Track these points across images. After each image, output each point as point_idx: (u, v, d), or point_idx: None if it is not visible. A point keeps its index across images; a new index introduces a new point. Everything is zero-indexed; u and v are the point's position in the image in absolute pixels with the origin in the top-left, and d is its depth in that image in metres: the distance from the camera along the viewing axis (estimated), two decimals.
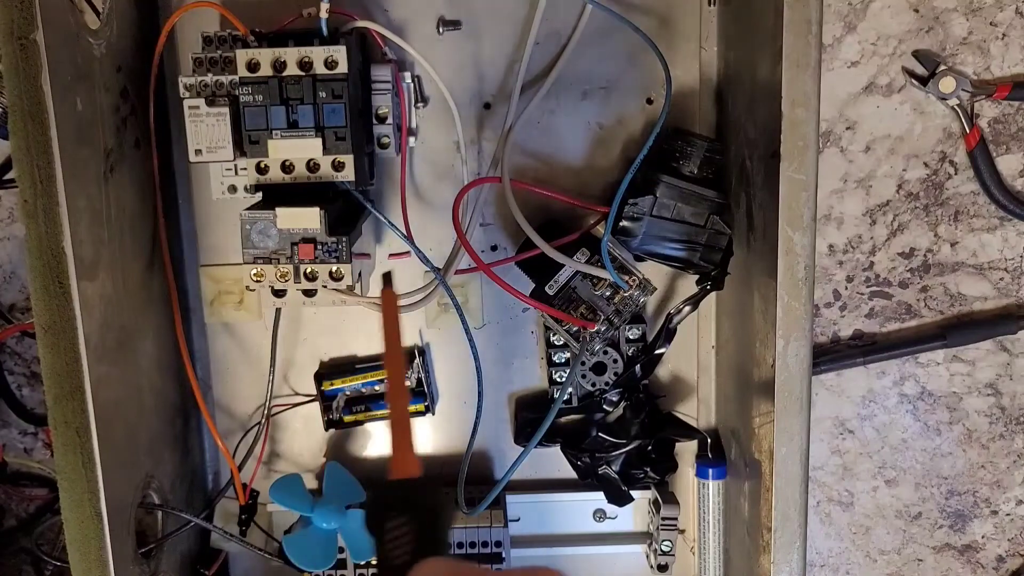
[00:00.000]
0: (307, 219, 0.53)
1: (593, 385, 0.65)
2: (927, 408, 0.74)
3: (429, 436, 0.68)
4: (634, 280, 0.59)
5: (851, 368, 0.73)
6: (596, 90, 0.63)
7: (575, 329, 0.60)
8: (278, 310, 0.63)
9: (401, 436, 0.30)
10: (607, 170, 0.64)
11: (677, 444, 0.68)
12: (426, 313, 0.65)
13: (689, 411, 0.68)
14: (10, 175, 0.68)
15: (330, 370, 0.66)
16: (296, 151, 0.54)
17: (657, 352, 0.64)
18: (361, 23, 0.57)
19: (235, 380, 0.67)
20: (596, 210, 0.62)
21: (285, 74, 0.53)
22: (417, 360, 0.65)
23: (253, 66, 0.53)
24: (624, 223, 0.59)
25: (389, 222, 0.58)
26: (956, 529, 0.76)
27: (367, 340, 0.67)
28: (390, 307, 0.36)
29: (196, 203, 0.64)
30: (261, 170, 0.54)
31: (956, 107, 0.68)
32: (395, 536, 0.28)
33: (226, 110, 0.55)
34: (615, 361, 0.64)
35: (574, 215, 0.64)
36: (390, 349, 0.36)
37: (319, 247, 0.54)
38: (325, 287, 0.55)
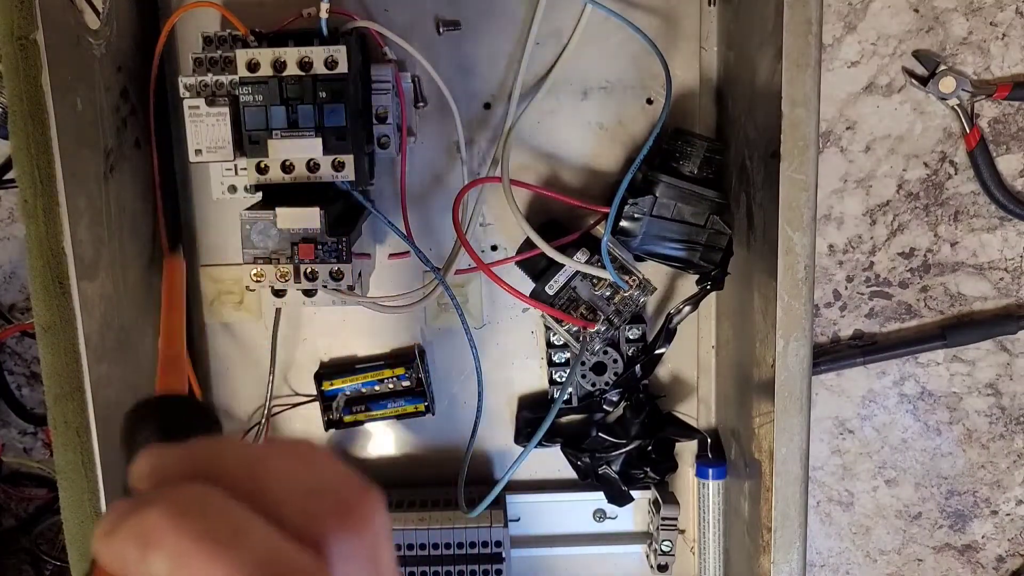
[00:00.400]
0: (307, 219, 0.53)
1: (593, 385, 0.65)
2: (927, 408, 0.74)
3: (429, 436, 0.68)
4: (634, 280, 0.59)
5: (851, 368, 0.73)
6: (596, 90, 0.63)
7: (575, 329, 0.60)
8: (278, 310, 0.63)
9: (171, 358, 0.30)
10: (607, 170, 0.64)
11: (677, 444, 0.68)
12: (426, 313, 0.65)
13: (689, 411, 0.68)
14: (10, 175, 0.68)
15: (330, 370, 0.66)
16: (296, 151, 0.54)
17: (657, 352, 0.64)
18: (361, 23, 0.57)
19: (235, 380, 0.67)
20: (596, 210, 0.62)
21: (285, 74, 0.53)
22: (417, 360, 0.65)
23: (253, 66, 0.53)
24: (624, 223, 0.59)
25: (389, 222, 0.58)
26: (956, 529, 0.76)
27: (367, 340, 0.67)
28: (177, 268, 0.37)
29: (196, 203, 0.64)
30: (261, 170, 0.54)
31: (956, 107, 0.68)
32: (141, 444, 0.26)
33: (226, 110, 0.55)
34: (615, 361, 0.64)
35: (574, 215, 0.64)
36: (173, 297, 0.36)
37: (319, 247, 0.54)
38: (325, 287, 0.55)
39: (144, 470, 0.23)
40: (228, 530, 0.20)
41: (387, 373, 0.65)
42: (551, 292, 0.60)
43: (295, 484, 0.22)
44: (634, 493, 0.67)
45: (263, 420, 0.65)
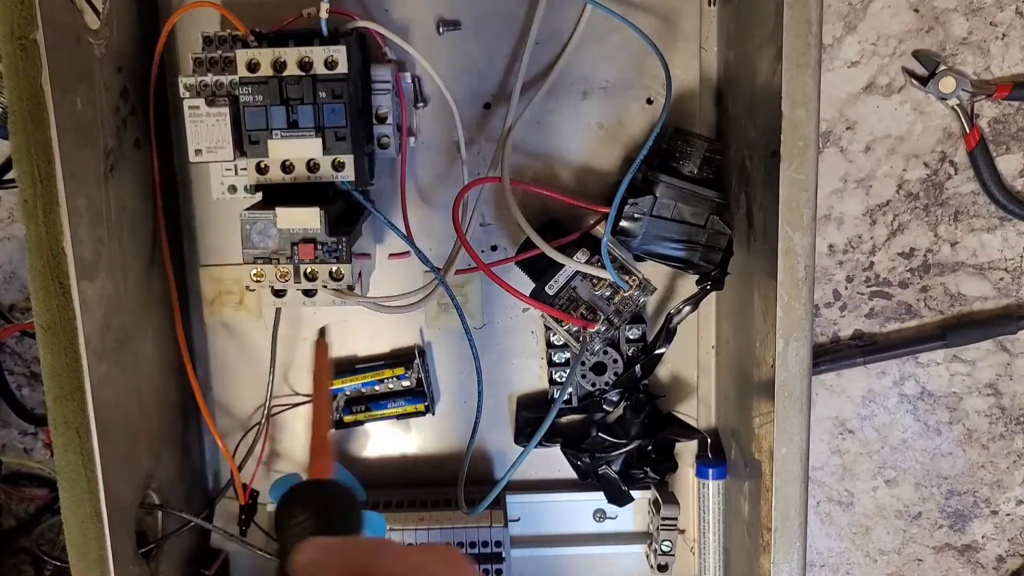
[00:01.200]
0: (307, 219, 0.53)
1: (593, 385, 0.65)
2: (927, 408, 0.74)
3: (429, 436, 0.68)
4: (634, 280, 0.59)
5: (851, 368, 0.73)
6: (596, 90, 0.63)
7: (575, 329, 0.60)
8: (278, 310, 0.63)
9: (320, 446, 0.34)
10: (607, 170, 0.64)
11: (677, 444, 0.68)
12: (426, 313, 0.65)
13: (689, 411, 0.68)
14: (10, 175, 0.68)
15: None
16: (296, 151, 0.54)
17: (657, 352, 0.64)
18: (361, 23, 0.57)
19: (235, 380, 0.67)
20: (596, 210, 0.62)
21: (285, 74, 0.53)
22: (417, 360, 0.65)
23: (253, 66, 0.53)
24: (624, 223, 0.59)
25: (389, 222, 0.58)
26: (956, 529, 0.76)
27: (367, 340, 0.67)
28: (322, 356, 0.41)
29: (196, 203, 0.64)
30: (261, 170, 0.54)
31: (956, 107, 0.68)
32: (296, 529, 0.30)
33: (226, 110, 0.55)
34: (615, 361, 0.64)
35: (574, 215, 0.64)
36: (318, 387, 0.39)
37: (319, 247, 0.54)
38: (325, 287, 0.55)
39: (305, 561, 0.26)
40: None
41: (387, 373, 0.65)
42: (551, 292, 0.60)
43: None
44: (634, 493, 0.67)
45: (263, 420, 0.65)
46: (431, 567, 0.25)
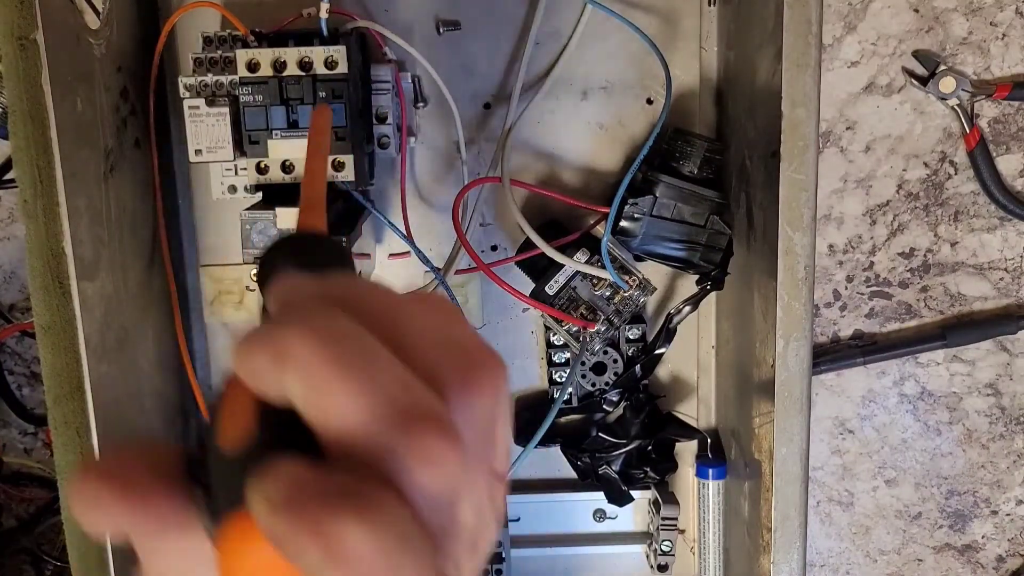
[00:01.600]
0: None
1: (593, 385, 0.65)
2: (927, 408, 0.74)
3: None
4: (634, 280, 0.59)
5: (851, 368, 0.73)
6: (596, 90, 0.63)
7: (575, 329, 0.60)
8: None
9: (312, 197, 0.30)
10: (607, 170, 0.64)
11: (677, 444, 0.68)
12: None
13: (689, 411, 0.68)
14: (10, 175, 0.68)
15: None
16: (296, 151, 0.54)
17: (657, 352, 0.64)
18: (361, 23, 0.57)
19: None
20: (596, 210, 0.62)
21: (285, 74, 0.53)
22: None
23: (253, 66, 0.53)
24: (624, 223, 0.59)
25: (389, 222, 0.58)
26: (956, 529, 0.76)
27: None
28: (320, 120, 0.36)
29: (196, 203, 0.64)
30: (261, 170, 0.54)
31: (956, 107, 0.68)
32: (274, 271, 0.26)
33: (226, 110, 0.55)
34: (615, 361, 0.64)
35: (574, 215, 0.64)
36: (316, 141, 0.35)
37: None
38: None
39: (281, 293, 0.23)
40: (364, 359, 0.19)
41: None
42: (551, 292, 0.60)
43: (430, 333, 0.22)
44: (634, 493, 0.67)
45: None
46: (416, 308, 0.22)
